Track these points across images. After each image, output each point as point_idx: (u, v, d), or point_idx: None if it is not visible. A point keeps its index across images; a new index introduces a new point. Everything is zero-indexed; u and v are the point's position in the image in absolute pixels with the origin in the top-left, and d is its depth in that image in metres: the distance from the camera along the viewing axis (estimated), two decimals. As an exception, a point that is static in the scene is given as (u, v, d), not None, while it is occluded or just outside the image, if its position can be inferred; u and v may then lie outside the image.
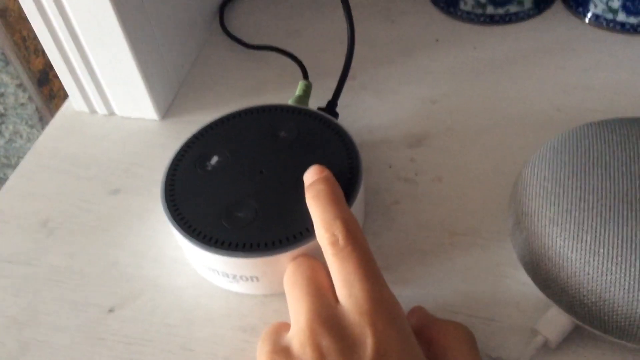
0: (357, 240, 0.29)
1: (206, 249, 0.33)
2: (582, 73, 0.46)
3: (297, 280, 0.30)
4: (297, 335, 0.28)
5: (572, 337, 0.31)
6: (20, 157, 0.83)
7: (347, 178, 0.35)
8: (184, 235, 0.33)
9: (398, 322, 0.27)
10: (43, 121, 0.75)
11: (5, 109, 0.75)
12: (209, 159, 0.37)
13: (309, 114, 0.39)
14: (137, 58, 0.42)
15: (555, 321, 0.31)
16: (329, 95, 0.42)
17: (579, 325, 0.31)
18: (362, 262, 0.28)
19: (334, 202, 0.31)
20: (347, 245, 0.29)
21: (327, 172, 0.33)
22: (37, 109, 0.73)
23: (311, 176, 0.33)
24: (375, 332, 0.26)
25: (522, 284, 0.34)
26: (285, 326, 0.30)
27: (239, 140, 0.38)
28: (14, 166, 0.85)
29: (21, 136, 0.79)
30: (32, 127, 0.76)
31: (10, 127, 0.78)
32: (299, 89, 0.43)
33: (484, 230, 0.37)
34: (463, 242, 0.37)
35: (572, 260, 0.29)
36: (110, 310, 0.36)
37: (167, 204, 0.35)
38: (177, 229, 0.34)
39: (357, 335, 0.26)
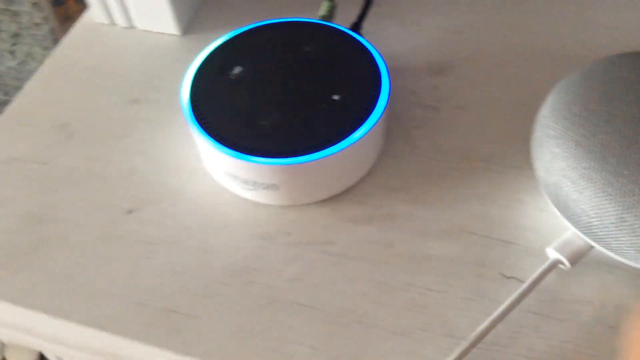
0: None
1: (228, 153, 0.33)
2: (609, 12, 0.45)
3: None
4: None
5: (587, 260, 0.32)
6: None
7: (371, 96, 0.35)
8: (207, 139, 0.33)
9: None
10: (57, 43, 0.74)
11: (19, 28, 0.74)
12: (233, 68, 0.37)
13: (336, 30, 0.39)
14: (162, -32, 0.42)
15: (572, 243, 0.31)
16: (352, 20, 0.42)
17: (595, 248, 0.31)
18: None
19: None
20: None
21: None
22: (51, 30, 0.72)
23: None
24: None
25: (540, 210, 0.34)
26: None
27: (264, 53, 0.38)
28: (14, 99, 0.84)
29: (34, 58, 0.78)
30: (45, 49, 0.76)
31: (24, 48, 0.77)
32: (323, 9, 0.43)
33: (504, 158, 0.37)
34: (482, 168, 0.37)
35: (595, 181, 0.29)
36: (130, 212, 0.36)
37: (191, 109, 0.35)
38: (199, 132, 0.34)
39: None
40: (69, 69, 0.44)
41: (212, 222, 0.35)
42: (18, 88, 0.85)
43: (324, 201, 0.36)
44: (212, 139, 0.33)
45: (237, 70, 0.36)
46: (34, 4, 0.70)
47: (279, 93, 0.35)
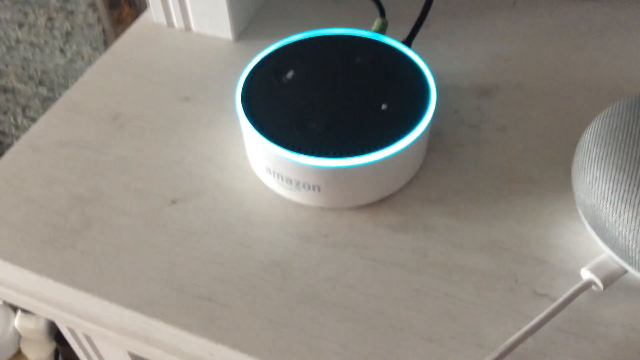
0: None
1: (275, 149, 0.34)
2: (655, 52, 0.46)
3: None
4: None
5: (620, 284, 0.32)
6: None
7: (417, 109, 0.36)
8: (256, 133, 0.34)
9: None
10: (107, 44, 0.77)
11: (72, 27, 0.77)
12: (286, 72, 0.38)
13: (388, 45, 0.40)
14: (223, -25, 0.44)
15: (606, 265, 0.32)
16: (401, 39, 0.43)
17: (629, 272, 0.31)
18: None
19: None
20: None
21: None
22: (104, 30, 0.75)
23: None
24: None
25: (576, 233, 0.35)
26: None
27: (317, 60, 0.39)
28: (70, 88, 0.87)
29: (83, 57, 0.81)
30: (95, 49, 0.78)
31: (74, 47, 0.80)
32: (375, 26, 0.44)
33: (543, 180, 0.38)
34: (521, 188, 0.37)
35: (634, 205, 0.30)
36: (173, 202, 0.37)
37: (242, 103, 0.36)
38: (249, 126, 0.35)
39: None
40: (125, 64, 0.46)
41: (253, 218, 0.36)
42: (64, 85, 0.87)
43: (362, 207, 0.37)
44: (260, 134, 0.34)
45: (290, 74, 0.38)
46: (90, 5, 0.73)
47: (328, 99, 0.36)
